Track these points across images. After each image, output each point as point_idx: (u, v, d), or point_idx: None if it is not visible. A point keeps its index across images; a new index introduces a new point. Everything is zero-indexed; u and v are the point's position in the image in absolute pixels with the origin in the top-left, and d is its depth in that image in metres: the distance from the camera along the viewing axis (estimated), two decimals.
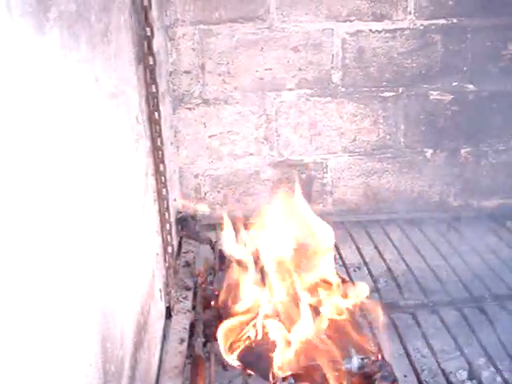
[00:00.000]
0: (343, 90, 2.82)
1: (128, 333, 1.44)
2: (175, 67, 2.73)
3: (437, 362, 1.94)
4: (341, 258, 2.59)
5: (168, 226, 1.96)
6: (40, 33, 0.90)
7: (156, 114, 1.82)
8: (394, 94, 2.83)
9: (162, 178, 1.88)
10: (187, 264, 2.39)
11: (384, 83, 2.80)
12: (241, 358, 1.84)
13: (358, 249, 2.67)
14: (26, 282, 0.79)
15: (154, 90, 1.80)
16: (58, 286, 0.92)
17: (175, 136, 2.79)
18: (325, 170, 2.92)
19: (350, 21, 2.75)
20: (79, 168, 1.09)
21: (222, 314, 1.98)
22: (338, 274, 2.06)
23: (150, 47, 1.76)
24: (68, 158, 1.02)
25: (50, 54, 0.94)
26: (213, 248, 2.59)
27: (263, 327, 1.81)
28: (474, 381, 2.00)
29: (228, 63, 2.75)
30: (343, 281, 2.03)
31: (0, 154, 0.73)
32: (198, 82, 2.76)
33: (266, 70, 2.77)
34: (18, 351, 0.76)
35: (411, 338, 2.31)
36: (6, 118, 0.76)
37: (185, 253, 2.54)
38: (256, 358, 1.81)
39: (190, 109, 2.79)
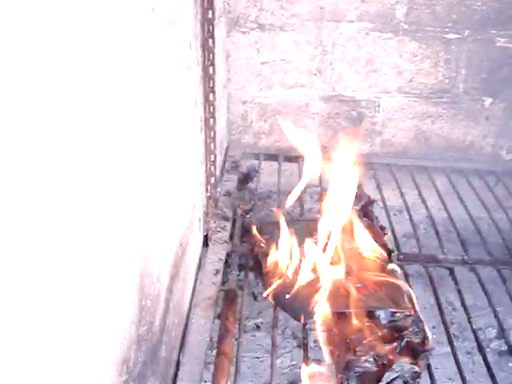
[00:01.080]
0: (406, 27, 2.67)
1: (165, 266, 1.44)
2: None
3: (467, 316, 1.91)
4: (382, 200, 2.54)
5: (212, 156, 1.93)
6: None
7: (210, 40, 1.75)
8: (458, 36, 2.67)
9: (211, 107, 1.83)
10: (227, 193, 2.37)
11: (449, 24, 2.65)
12: (274, 295, 1.84)
13: (402, 193, 2.61)
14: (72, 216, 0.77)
15: (210, 16, 1.72)
16: (102, 225, 0.91)
17: (227, 60, 2.71)
18: (377, 109, 2.82)
19: None
20: (130, 96, 1.06)
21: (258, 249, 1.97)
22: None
23: None
24: (121, 87, 0.99)
25: None
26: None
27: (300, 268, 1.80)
28: (503, 340, 1.98)
29: None
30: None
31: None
32: (255, 5, 2.65)
33: None
34: (66, 292, 0.75)
35: (445, 290, 2.30)
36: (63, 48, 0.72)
37: (226, 181, 2.52)
38: (289, 298, 1.80)
39: (244, 33, 2.69)
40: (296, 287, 1.77)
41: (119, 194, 1.01)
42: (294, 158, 2.73)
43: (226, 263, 2.04)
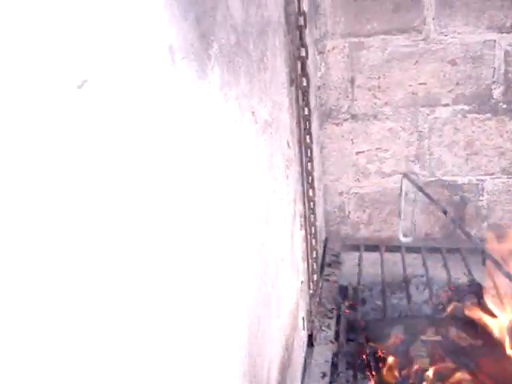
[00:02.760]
0: (504, 106, 2.58)
1: (273, 373, 1.37)
2: (323, 81, 2.65)
3: None
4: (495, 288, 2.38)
5: (314, 252, 1.87)
6: (202, 75, 0.84)
7: (307, 137, 1.74)
8: None
9: (311, 203, 1.79)
10: (330, 290, 2.29)
11: None
12: None
13: None
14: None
15: (307, 113, 1.72)
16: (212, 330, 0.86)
17: (321, 152, 2.70)
18: (480, 192, 2.70)
19: None
20: (238, 203, 1.03)
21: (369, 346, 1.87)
22: None
23: (303, 68, 1.68)
24: (229, 196, 0.96)
25: (211, 97, 0.88)
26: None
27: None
28: None
29: (379, 77, 2.62)
30: None
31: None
32: (347, 96, 2.65)
33: (419, 84, 2.60)
34: None
35: None
36: (172, 166, 0.71)
37: (327, 275, 2.45)
38: None
39: (337, 124, 2.69)
40: None
41: (231, 305, 0.96)
42: (396, 248, 2.64)
43: (333, 365, 1.94)
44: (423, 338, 1.87)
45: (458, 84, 2.59)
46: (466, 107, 2.61)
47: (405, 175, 2.09)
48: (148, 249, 0.65)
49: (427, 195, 2.10)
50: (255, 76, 1.23)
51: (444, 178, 2.69)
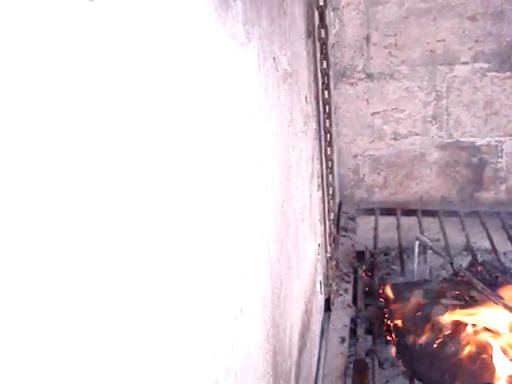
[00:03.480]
0: None
1: (294, 338, 1.31)
2: (338, 39, 2.54)
3: None
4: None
5: (332, 214, 1.80)
6: (225, 5, 0.75)
7: (326, 92, 1.65)
8: None
9: (329, 162, 1.71)
10: (346, 254, 2.22)
11: None
12: (406, 362, 1.66)
13: None
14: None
15: (325, 66, 1.63)
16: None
17: (335, 113, 2.61)
18: (499, 153, 2.61)
19: None
20: (259, 160, 0.95)
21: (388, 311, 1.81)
22: None
23: (322, 19, 1.59)
24: (251, 148, 0.88)
25: (234, 32, 0.80)
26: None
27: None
28: None
29: (396, 34, 2.51)
30: None
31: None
32: (362, 55, 2.55)
33: (438, 41, 2.50)
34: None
35: None
36: (182, 105, 0.63)
37: (342, 238, 2.38)
38: (427, 366, 1.61)
39: (352, 84, 2.59)
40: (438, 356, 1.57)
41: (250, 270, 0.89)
42: (412, 212, 2.56)
43: (352, 330, 1.88)
44: (444, 301, 1.80)
45: (477, 41, 2.49)
46: (486, 65, 2.51)
47: (417, 238, 2.06)
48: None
49: (438, 253, 2.08)
50: (276, 20, 1.14)
51: (462, 139, 2.60)
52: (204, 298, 0.65)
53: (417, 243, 2.00)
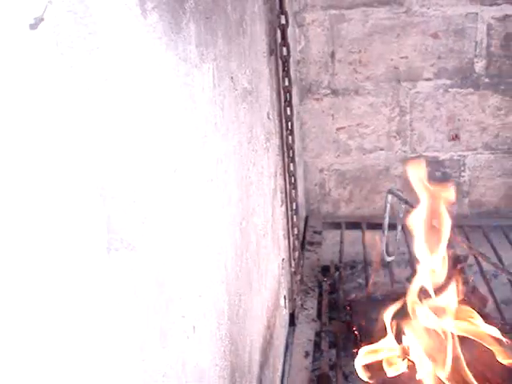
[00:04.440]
0: (487, 80, 2.54)
1: (255, 353, 1.31)
2: (303, 55, 2.58)
3: None
4: (478, 264, 2.35)
5: (296, 229, 1.82)
6: (177, 29, 0.77)
7: (288, 109, 1.67)
8: None
9: (292, 178, 1.73)
10: (311, 268, 2.24)
11: None
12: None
13: (497, 255, 2.42)
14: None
15: (287, 84, 1.65)
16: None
17: (301, 128, 2.64)
18: (462, 168, 2.66)
19: (498, 4, 2.46)
20: (216, 177, 0.96)
21: (353, 328, 1.82)
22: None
23: (284, 36, 1.61)
24: (207, 167, 0.90)
25: (187, 54, 0.81)
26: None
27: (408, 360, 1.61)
28: None
29: (360, 51, 2.55)
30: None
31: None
32: (327, 71, 2.59)
33: (401, 58, 2.54)
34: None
35: None
36: (138, 126, 0.64)
37: (308, 252, 2.39)
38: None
39: (317, 99, 2.62)
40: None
41: (202, 281, 0.90)
42: (377, 225, 2.59)
43: (316, 344, 1.89)
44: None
45: (439, 58, 2.54)
46: (448, 81, 2.56)
47: (389, 191, 2.04)
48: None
49: (412, 206, 2.07)
50: (234, 39, 1.16)
51: (425, 153, 2.64)
52: (149, 319, 0.66)
53: (389, 197, 1.98)
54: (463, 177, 2.68)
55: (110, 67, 0.58)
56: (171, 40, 0.74)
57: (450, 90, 2.57)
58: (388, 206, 2.06)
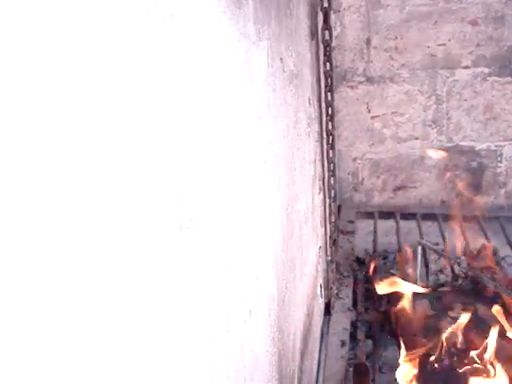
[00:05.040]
0: None
1: (297, 342, 1.29)
2: (338, 42, 2.54)
3: None
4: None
5: (333, 217, 1.79)
6: (238, 4, 0.74)
7: (329, 94, 1.64)
8: None
9: (331, 165, 1.70)
10: (345, 257, 2.21)
11: None
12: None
13: None
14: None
15: (329, 68, 1.62)
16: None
17: (335, 116, 2.60)
18: (499, 158, 2.61)
19: None
20: (266, 161, 0.94)
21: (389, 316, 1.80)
22: None
23: (326, 20, 1.58)
24: (256, 149, 0.87)
25: (246, 30, 0.79)
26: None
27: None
28: None
29: (396, 38, 2.51)
30: None
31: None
32: (363, 58, 2.55)
33: (438, 45, 2.49)
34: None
35: None
36: (203, 103, 0.62)
37: (342, 239, 2.36)
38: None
39: (352, 87, 2.58)
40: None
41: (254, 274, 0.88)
42: (411, 215, 2.56)
43: (352, 333, 1.87)
44: (451, 314, 1.79)
45: (478, 45, 2.48)
46: (486, 70, 2.50)
47: (419, 243, 2.05)
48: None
49: (441, 255, 2.07)
50: (283, 21, 1.13)
51: (462, 143, 2.59)
52: (215, 301, 0.64)
53: (419, 248, 1.99)
54: (500, 167, 2.62)
55: (182, 36, 0.56)
56: (234, 14, 0.72)
57: (488, 78, 2.51)
58: (419, 256, 2.06)
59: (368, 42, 2.53)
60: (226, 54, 0.70)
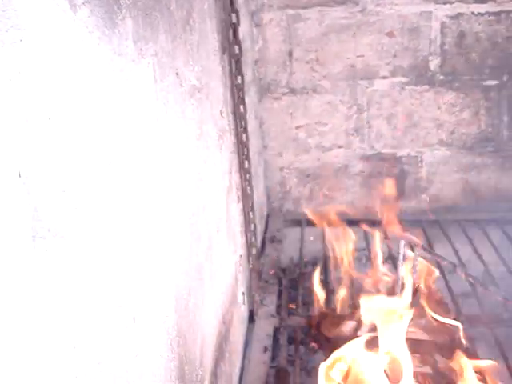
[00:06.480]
0: (441, 77, 2.59)
1: (208, 348, 1.33)
2: (261, 55, 2.60)
3: None
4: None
5: (252, 225, 1.83)
6: (110, 24, 0.78)
7: (241, 107, 1.69)
8: (497, 82, 2.57)
9: (247, 175, 1.75)
10: (272, 265, 2.26)
11: (487, 71, 2.56)
12: None
13: (455, 250, 2.47)
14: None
15: (240, 82, 1.67)
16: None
17: (260, 127, 2.66)
18: (420, 164, 2.71)
19: (451, 3, 2.52)
20: (160, 172, 0.98)
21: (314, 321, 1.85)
22: None
23: (235, 35, 1.63)
24: (146, 163, 0.91)
25: (123, 50, 0.82)
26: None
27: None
28: None
29: (317, 50, 2.58)
30: None
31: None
32: (285, 70, 2.61)
33: (357, 56, 2.58)
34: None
35: None
36: (73, 124, 0.65)
37: (268, 251, 2.42)
38: None
39: (276, 98, 2.65)
40: None
41: (154, 275, 0.91)
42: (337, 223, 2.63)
43: (275, 339, 1.91)
44: None
45: (395, 56, 2.58)
46: (404, 79, 2.61)
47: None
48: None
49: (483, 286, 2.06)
50: (179, 36, 1.17)
51: (383, 150, 2.69)
52: (82, 306, 0.67)
53: (402, 243, 1.96)
54: (421, 173, 2.72)
55: (35, 59, 0.59)
56: (104, 35, 0.75)
57: (406, 87, 2.61)
58: (401, 252, 2.05)
59: (290, 54, 2.60)
60: (97, 71, 0.73)
